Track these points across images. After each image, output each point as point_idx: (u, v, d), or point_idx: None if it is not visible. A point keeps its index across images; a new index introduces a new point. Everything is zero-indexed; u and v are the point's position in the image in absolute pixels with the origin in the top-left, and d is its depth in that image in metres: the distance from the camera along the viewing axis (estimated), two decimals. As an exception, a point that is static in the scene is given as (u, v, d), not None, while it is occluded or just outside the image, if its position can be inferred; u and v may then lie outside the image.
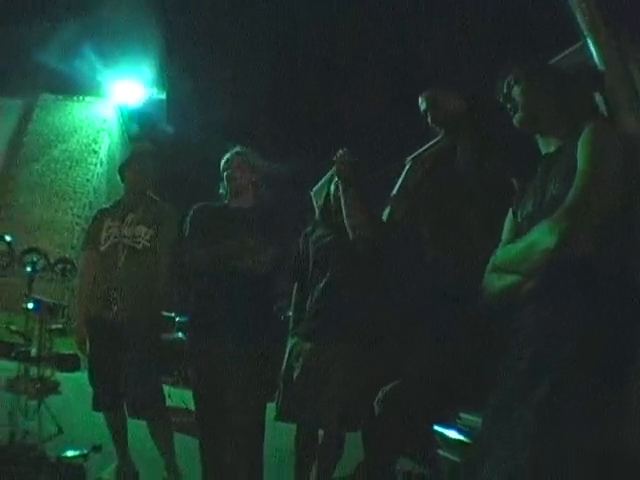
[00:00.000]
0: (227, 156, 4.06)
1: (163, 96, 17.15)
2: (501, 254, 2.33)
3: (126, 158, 4.68)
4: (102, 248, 4.29)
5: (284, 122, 20.06)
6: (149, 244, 4.21)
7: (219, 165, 4.07)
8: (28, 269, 5.88)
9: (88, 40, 14.77)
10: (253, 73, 18.57)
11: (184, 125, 17.52)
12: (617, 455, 1.94)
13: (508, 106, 2.48)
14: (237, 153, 4.06)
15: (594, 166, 2.07)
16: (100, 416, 4.25)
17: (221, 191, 4.09)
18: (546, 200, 2.22)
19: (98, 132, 16.60)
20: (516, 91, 2.44)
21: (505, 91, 2.49)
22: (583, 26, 3.02)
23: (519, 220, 2.40)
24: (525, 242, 2.14)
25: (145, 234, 4.23)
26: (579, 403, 1.94)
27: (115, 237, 4.27)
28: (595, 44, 2.97)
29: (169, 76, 16.88)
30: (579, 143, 2.15)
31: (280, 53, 19.00)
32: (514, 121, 2.46)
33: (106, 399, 4.13)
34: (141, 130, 17.55)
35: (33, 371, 5.90)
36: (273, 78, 18.91)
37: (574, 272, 2.02)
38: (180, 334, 9.52)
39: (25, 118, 16.51)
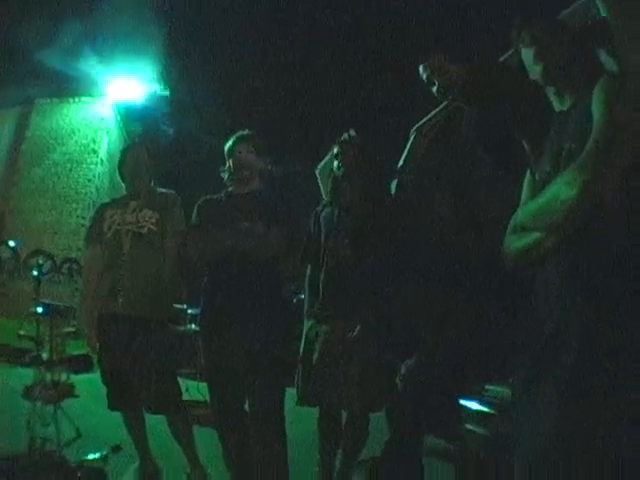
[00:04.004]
0: (231, 141, 3.99)
1: (166, 93, 17.04)
2: (522, 212, 2.28)
3: (121, 150, 4.64)
4: (105, 238, 4.19)
5: (286, 118, 20.00)
6: (155, 228, 4.11)
7: (221, 159, 4.01)
8: (34, 272, 5.81)
9: (82, 39, 14.69)
10: (255, 68, 18.54)
11: (187, 122, 17.45)
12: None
13: (525, 62, 2.41)
14: (242, 138, 3.99)
15: (610, 116, 2.02)
16: (119, 416, 4.20)
17: (225, 177, 4.02)
18: (563, 156, 2.17)
19: (96, 132, 16.61)
20: (533, 46, 2.36)
21: (521, 47, 2.42)
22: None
23: (537, 179, 2.33)
24: (545, 196, 2.09)
25: (150, 217, 4.12)
26: (612, 365, 1.87)
27: (118, 224, 4.15)
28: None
29: (171, 73, 16.80)
30: (593, 96, 2.11)
31: (283, 45, 18.92)
32: (531, 76, 2.39)
33: (121, 397, 4.07)
34: (144, 127, 17.47)
35: (47, 376, 5.85)
36: (276, 74, 18.90)
37: (597, 224, 1.95)
38: (193, 326, 9.46)
39: (22, 125, 16.53)
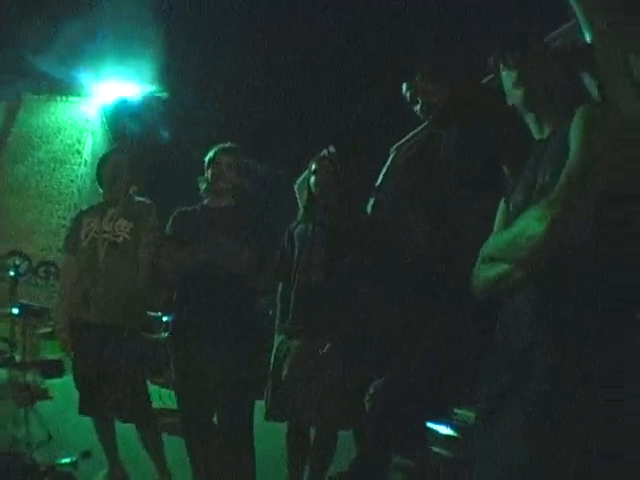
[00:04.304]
0: (212, 152, 3.98)
1: (164, 94, 16.89)
2: (492, 243, 2.26)
3: (101, 156, 4.64)
4: (82, 246, 4.20)
5: (286, 121, 19.91)
6: (129, 237, 4.12)
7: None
8: (11, 273, 5.78)
9: (74, 38, 14.54)
10: (255, 69, 18.46)
11: (184, 124, 17.30)
12: (618, 449, 1.86)
13: (504, 88, 2.39)
14: (223, 151, 3.98)
15: (585, 151, 1.99)
16: (91, 421, 4.19)
17: (201, 188, 4.01)
18: (538, 188, 2.14)
19: (81, 132, 16.52)
20: (514, 70, 2.35)
21: (501, 72, 2.40)
22: (573, 2, 2.96)
23: (510, 209, 2.32)
24: (514, 230, 2.07)
25: (125, 227, 4.13)
26: (576, 395, 1.87)
27: (95, 233, 4.17)
28: (585, 20, 2.91)
29: (169, 74, 16.67)
30: (571, 128, 2.08)
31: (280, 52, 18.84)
32: (509, 101, 2.37)
33: (92, 403, 4.06)
34: (134, 129, 17.28)
35: (21, 378, 5.81)
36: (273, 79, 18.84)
37: (566, 260, 1.95)
38: (167, 334, 9.41)
39: (8, 120, 16.38)
